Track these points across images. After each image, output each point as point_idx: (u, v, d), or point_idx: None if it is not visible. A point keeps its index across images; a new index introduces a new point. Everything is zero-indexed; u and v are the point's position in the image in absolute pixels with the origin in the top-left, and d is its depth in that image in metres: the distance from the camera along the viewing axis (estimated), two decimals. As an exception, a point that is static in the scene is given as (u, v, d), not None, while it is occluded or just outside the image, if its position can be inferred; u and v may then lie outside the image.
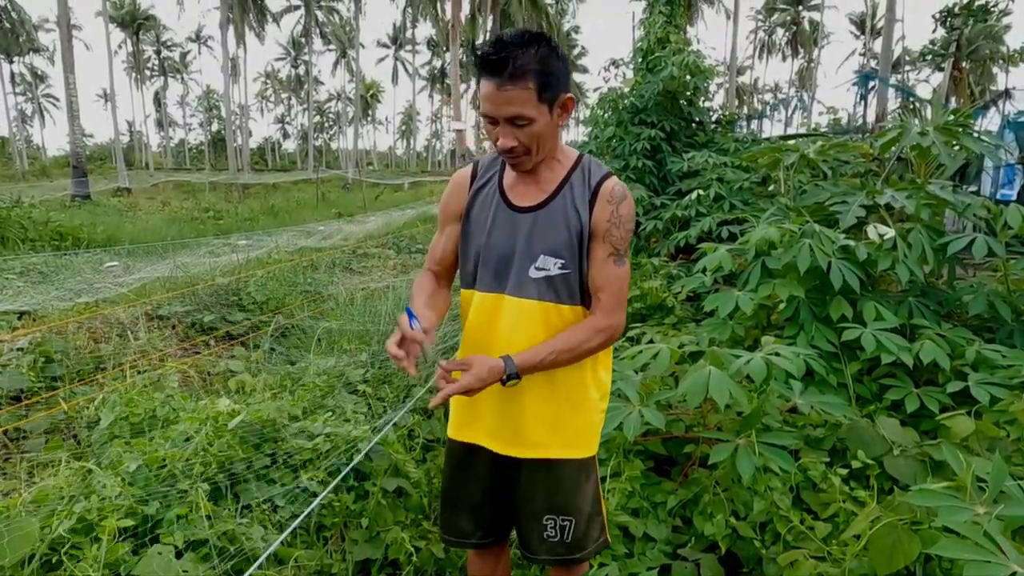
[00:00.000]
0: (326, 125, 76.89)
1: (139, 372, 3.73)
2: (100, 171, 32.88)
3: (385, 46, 68.29)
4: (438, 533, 2.56)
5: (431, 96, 73.42)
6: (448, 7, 25.57)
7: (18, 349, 3.66)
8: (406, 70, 68.56)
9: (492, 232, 1.54)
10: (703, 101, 7.77)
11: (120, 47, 57.03)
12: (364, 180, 28.43)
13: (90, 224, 11.77)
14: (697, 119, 7.60)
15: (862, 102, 7.94)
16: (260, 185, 30.00)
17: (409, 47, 64.03)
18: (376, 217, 13.57)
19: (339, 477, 1.82)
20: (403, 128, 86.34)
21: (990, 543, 1.31)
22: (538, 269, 1.50)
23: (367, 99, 70.95)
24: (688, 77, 7.15)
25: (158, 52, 63.38)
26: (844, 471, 2.23)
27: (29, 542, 1.48)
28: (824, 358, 2.97)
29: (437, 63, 66.37)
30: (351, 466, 1.88)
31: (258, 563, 1.45)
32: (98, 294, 5.82)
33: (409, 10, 50.01)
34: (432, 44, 63.93)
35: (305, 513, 1.64)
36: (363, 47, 52.18)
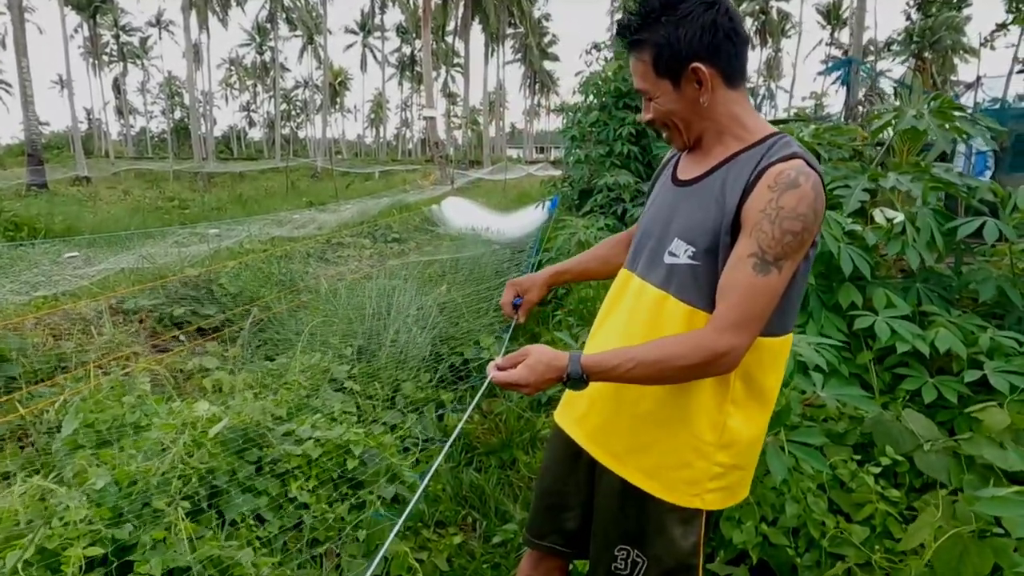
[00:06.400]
0: (293, 113, 75.31)
1: (105, 372, 3.46)
2: (58, 160, 31.70)
3: (353, 32, 67.00)
4: (440, 542, 2.39)
5: (400, 84, 72.43)
6: (419, -8, 25.10)
7: (-32, 348, 3.36)
8: (375, 57, 67.44)
9: (651, 206, 1.43)
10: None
11: (76, 31, 54.95)
12: (334, 169, 27.85)
13: (47, 214, 11.23)
14: (681, 104, 7.45)
15: (844, 87, 7.88)
16: (226, 174, 29.20)
17: (378, 34, 62.96)
18: (350, 206, 13.24)
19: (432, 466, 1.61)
20: (372, 116, 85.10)
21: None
22: (671, 254, 1.30)
23: (335, 87, 69.68)
24: (673, 60, 7.00)
25: (117, 37, 61.14)
26: (876, 469, 2.10)
27: (-22, 579, 1.26)
28: (835, 347, 2.86)
29: (407, 50, 65.44)
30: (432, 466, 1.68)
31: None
32: (57, 287, 5.47)
33: (378, -5, 49.16)
34: (402, 31, 62.96)
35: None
36: (331, 33, 51.15)
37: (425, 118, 25.13)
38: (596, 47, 8.38)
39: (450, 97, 66.34)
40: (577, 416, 1.47)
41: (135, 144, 69.48)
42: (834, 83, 9.40)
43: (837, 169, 4.06)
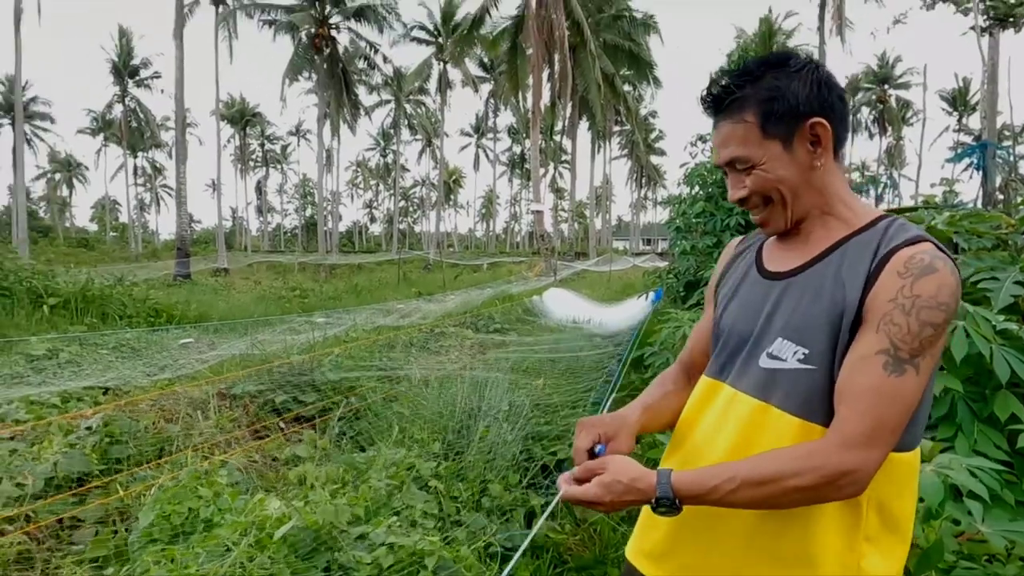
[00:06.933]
0: (410, 209, 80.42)
1: (205, 456, 3.53)
2: (203, 253, 35.20)
3: (468, 134, 71.61)
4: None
5: (510, 180, 75.74)
6: (529, 95, 26.51)
7: (86, 428, 3.54)
8: (487, 156, 71.38)
9: (731, 303, 1.21)
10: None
11: (229, 141, 62.44)
12: (444, 261, 29.06)
13: (184, 302, 12.28)
14: (793, 193, 7.14)
15: (980, 172, 7.26)
16: (346, 265, 31.17)
17: (490, 135, 66.78)
18: (455, 296, 13.55)
19: None
20: (483, 211, 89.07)
21: None
22: (771, 357, 1.08)
23: (449, 184, 73.96)
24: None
25: (262, 145, 69.07)
26: (1067, 635, 1.65)
27: None
28: (995, 469, 2.40)
29: (517, 149, 68.79)
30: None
31: None
32: (179, 370, 5.81)
33: (491, 100, 52.50)
34: (512, 131, 66.50)
35: None
36: (447, 136, 54.89)
37: (533, 212, 25.87)
38: (701, 139, 8.30)
39: (557, 192, 68.38)
40: (657, 551, 1.19)
41: (270, 239, 76.32)
42: (965, 170, 8.71)
43: (981, 260, 3.62)
